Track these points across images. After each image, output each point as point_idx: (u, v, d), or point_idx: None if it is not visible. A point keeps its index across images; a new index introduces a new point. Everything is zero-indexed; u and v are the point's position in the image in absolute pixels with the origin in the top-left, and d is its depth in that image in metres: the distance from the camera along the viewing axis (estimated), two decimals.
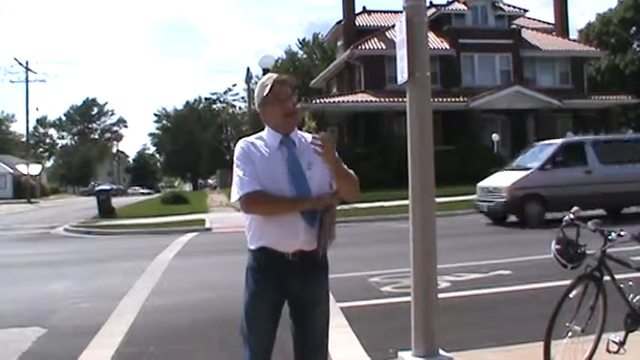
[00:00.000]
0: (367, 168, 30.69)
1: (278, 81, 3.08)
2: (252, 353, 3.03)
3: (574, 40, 42.21)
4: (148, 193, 75.76)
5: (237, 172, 3.04)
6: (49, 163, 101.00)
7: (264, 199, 2.95)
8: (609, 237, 4.07)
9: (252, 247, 3.08)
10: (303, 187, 2.98)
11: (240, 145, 3.11)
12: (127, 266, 11.42)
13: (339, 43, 42.08)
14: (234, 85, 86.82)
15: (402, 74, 4.06)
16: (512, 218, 16.97)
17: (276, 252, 2.98)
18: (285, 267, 2.98)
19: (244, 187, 2.96)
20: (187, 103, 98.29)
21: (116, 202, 30.55)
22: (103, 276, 10.48)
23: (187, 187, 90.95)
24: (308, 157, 3.04)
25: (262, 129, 3.22)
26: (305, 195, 2.97)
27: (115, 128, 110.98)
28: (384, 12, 41.84)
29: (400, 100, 27.04)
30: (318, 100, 34.85)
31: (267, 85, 3.09)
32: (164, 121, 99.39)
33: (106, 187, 33.20)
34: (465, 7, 37.34)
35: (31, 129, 75.38)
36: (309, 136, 3.16)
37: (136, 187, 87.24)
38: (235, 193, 3.01)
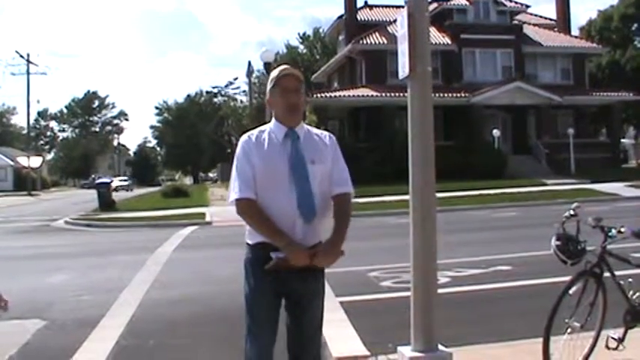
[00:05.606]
0: (368, 162, 30.77)
1: (286, 73, 3.11)
2: (255, 347, 3.01)
3: (575, 37, 42.13)
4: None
5: (234, 174, 3.08)
6: (49, 156, 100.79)
7: (252, 212, 3.00)
8: (609, 233, 4.07)
9: (250, 241, 3.09)
10: (304, 187, 2.98)
11: (242, 141, 3.13)
12: (126, 259, 11.44)
13: (340, 38, 42.02)
14: (236, 78, 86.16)
15: (404, 69, 4.04)
16: (512, 213, 16.95)
17: (273, 247, 2.96)
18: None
19: (237, 191, 3.02)
20: (188, 96, 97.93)
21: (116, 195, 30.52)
22: (102, 269, 10.49)
23: (188, 180, 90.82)
24: (312, 152, 3.05)
25: (262, 123, 3.24)
26: (305, 198, 2.97)
27: (116, 121, 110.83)
28: (386, 7, 41.81)
29: (401, 95, 27.08)
30: (319, 95, 34.83)
31: (274, 76, 3.12)
32: (165, 115, 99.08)
33: (106, 179, 33.16)
34: (467, 3, 37.30)
35: (32, 121, 75.37)
36: (317, 131, 3.19)
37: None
38: (230, 195, 3.08)
